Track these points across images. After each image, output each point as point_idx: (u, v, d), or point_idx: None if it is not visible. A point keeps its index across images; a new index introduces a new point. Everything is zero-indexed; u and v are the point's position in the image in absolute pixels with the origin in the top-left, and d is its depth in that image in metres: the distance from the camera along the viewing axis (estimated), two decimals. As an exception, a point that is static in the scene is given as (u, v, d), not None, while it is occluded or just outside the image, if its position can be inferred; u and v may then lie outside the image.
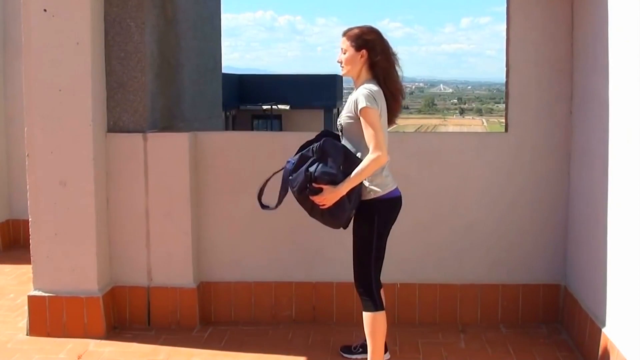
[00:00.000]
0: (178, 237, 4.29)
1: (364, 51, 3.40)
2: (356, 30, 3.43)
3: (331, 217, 3.38)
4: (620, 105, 3.34)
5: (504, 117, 4.45)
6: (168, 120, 4.74)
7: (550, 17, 4.20)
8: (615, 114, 3.40)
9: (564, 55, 4.20)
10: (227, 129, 19.98)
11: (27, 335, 4.16)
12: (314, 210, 3.39)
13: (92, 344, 4.05)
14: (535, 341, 4.08)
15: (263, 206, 3.52)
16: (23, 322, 4.28)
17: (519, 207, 4.30)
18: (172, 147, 4.27)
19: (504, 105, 4.55)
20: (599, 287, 3.59)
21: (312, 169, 3.30)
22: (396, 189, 3.48)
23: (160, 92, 4.55)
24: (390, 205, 3.44)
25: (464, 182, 4.31)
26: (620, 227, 3.33)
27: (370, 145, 3.27)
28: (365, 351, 3.80)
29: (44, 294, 4.16)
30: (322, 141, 3.35)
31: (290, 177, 3.35)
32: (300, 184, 3.32)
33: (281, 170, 3.45)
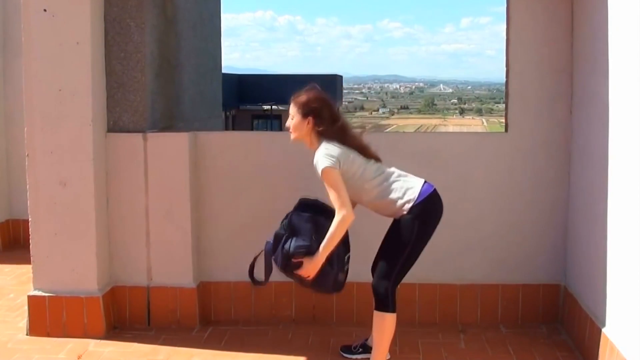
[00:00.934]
0: (178, 237, 4.29)
1: (310, 118, 3.45)
2: (303, 98, 3.50)
3: (317, 286, 3.50)
4: (620, 105, 3.34)
5: (504, 117, 4.45)
6: (168, 120, 4.74)
7: (550, 17, 4.20)
8: (615, 114, 3.41)
9: (564, 55, 4.20)
10: (227, 129, 19.99)
11: (27, 335, 4.16)
12: (303, 282, 3.49)
13: (92, 344, 4.05)
14: (535, 341, 4.09)
15: (255, 282, 3.60)
16: (23, 322, 4.29)
17: (519, 207, 4.31)
18: (172, 147, 4.27)
19: (504, 105, 4.55)
20: (599, 287, 3.59)
21: (287, 245, 3.41)
22: (425, 185, 3.49)
23: (160, 92, 4.55)
24: (426, 205, 3.45)
25: (464, 182, 4.32)
26: (620, 227, 3.33)
27: (335, 206, 3.33)
28: (365, 351, 3.81)
29: (44, 294, 4.16)
30: (289, 217, 3.47)
31: (273, 257, 3.46)
32: (281, 262, 3.43)
33: (261, 251, 3.54)
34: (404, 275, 3.52)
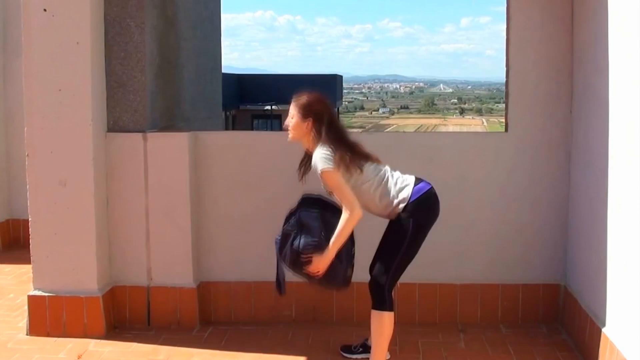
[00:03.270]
0: (178, 237, 4.29)
1: (309, 120, 3.47)
2: (305, 100, 3.51)
3: (327, 281, 3.51)
4: (620, 105, 3.34)
5: (504, 117, 4.45)
6: (168, 120, 4.74)
7: (550, 17, 4.20)
8: (615, 113, 3.41)
9: (564, 55, 4.20)
10: (227, 129, 19.98)
11: (27, 335, 4.16)
12: (311, 279, 3.51)
13: (92, 344, 4.05)
14: (535, 341, 4.08)
15: (280, 290, 3.63)
16: (23, 322, 4.29)
17: (519, 206, 4.31)
18: (172, 147, 4.27)
19: (504, 105, 4.55)
20: (599, 287, 3.59)
21: (295, 243, 3.43)
22: (422, 183, 3.51)
23: (160, 92, 4.55)
24: (422, 202, 3.46)
25: (464, 181, 4.32)
26: (620, 227, 3.33)
27: (343, 205, 3.35)
28: (365, 351, 3.81)
29: (44, 294, 4.16)
30: (297, 215, 3.49)
31: (282, 255, 3.49)
32: (290, 259, 3.46)
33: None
34: (401, 274, 3.53)
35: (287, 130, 3.58)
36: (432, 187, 3.53)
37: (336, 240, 3.37)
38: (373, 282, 3.50)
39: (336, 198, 3.41)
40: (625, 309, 3.25)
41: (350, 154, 3.44)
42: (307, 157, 3.59)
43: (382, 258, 3.50)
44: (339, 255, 3.41)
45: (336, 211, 3.41)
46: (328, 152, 3.38)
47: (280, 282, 3.59)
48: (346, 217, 3.34)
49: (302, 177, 3.64)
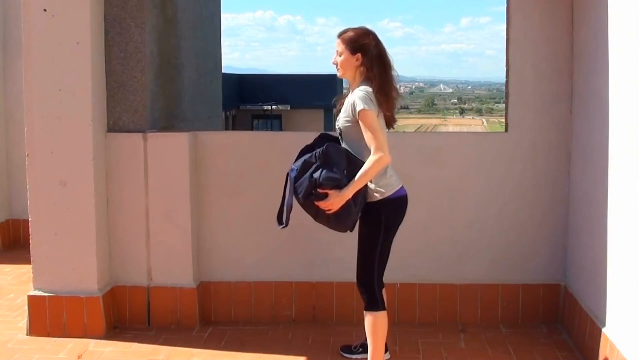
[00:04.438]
0: (178, 237, 4.29)
1: (359, 55, 3.40)
2: (351, 33, 3.43)
3: (337, 221, 3.39)
4: (620, 105, 3.34)
5: (504, 117, 4.45)
6: (168, 120, 4.74)
7: (550, 17, 4.20)
8: (615, 113, 3.40)
9: (564, 55, 4.20)
10: (227, 129, 19.98)
11: (27, 335, 4.16)
12: (319, 215, 3.39)
13: (92, 344, 4.05)
14: (535, 341, 4.08)
15: (280, 222, 3.45)
16: (23, 322, 4.28)
17: (519, 206, 4.31)
18: (172, 147, 4.27)
19: (504, 105, 4.55)
20: (599, 287, 3.59)
21: (316, 174, 3.30)
22: (402, 188, 3.48)
23: (160, 92, 4.55)
24: (396, 205, 3.45)
25: (464, 181, 4.32)
26: (620, 227, 3.33)
27: (372, 147, 3.27)
28: (365, 351, 3.80)
29: (44, 294, 4.16)
30: (325, 146, 3.35)
31: (296, 184, 3.35)
32: (305, 190, 3.32)
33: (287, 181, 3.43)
34: (383, 270, 3.49)
35: (336, 67, 3.48)
36: (407, 195, 3.49)
37: (359, 180, 3.27)
38: (361, 284, 3.48)
39: (367, 140, 3.27)
40: (625, 309, 3.25)
41: (387, 104, 3.35)
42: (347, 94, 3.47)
43: (362, 257, 3.47)
44: (355, 197, 3.31)
45: (356, 160, 3.31)
46: (370, 95, 3.31)
47: (282, 212, 3.42)
48: (375, 158, 3.24)
49: (337, 110, 3.48)
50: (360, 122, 3.30)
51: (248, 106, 26.70)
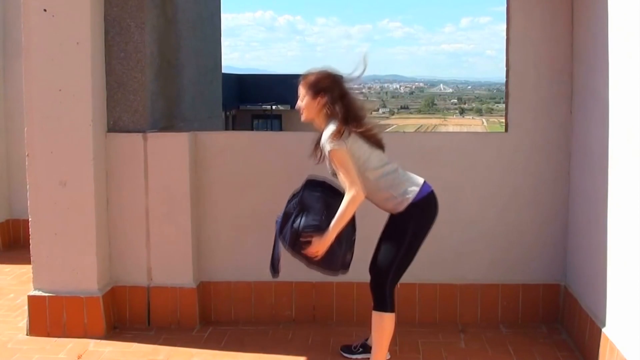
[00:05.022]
0: (178, 237, 4.29)
1: (320, 98, 3.42)
2: (312, 77, 3.46)
3: (325, 264, 3.46)
4: (620, 105, 3.34)
5: (504, 117, 4.45)
6: (168, 120, 4.74)
7: (550, 17, 4.20)
8: (615, 113, 3.41)
9: (564, 55, 4.20)
10: (227, 129, 19.97)
11: (27, 335, 4.16)
12: (309, 262, 3.45)
13: (92, 344, 4.05)
14: (535, 341, 4.08)
15: (273, 272, 3.54)
16: (23, 322, 4.28)
17: (519, 206, 4.31)
18: (172, 147, 4.27)
19: (504, 105, 4.55)
20: (599, 287, 3.59)
21: (296, 224, 3.37)
22: (424, 184, 3.48)
23: (160, 92, 4.55)
24: (422, 207, 3.44)
25: (464, 181, 4.31)
26: (620, 227, 3.33)
27: (346, 186, 3.30)
28: (365, 351, 3.81)
29: (44, 294, 4.16)
30: (300, 195, 3.44)
31: (281, 235, 3.43)
32: (290, 239, 3.40)
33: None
34: (401, 275, 3.51)
35: (299, 111, 3.50)
36: (432, 190, 3.51)
37: (337, 222, 3.31)
38: (374, 283, 3.49)
39: (340, 179, 3.32)
40: (625, 309, 3.25)
41: (362, 134, 3.37)
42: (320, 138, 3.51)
43: (382, 258, 3.48)
44: (339, 238, 3.35)
45: (339, 194, 3.35)
46: (335, 128, 3.31)
47: (274, 263, 3.50)
48: (348, 198, 3.27)
49: (318, 160, 3.53)
50: (332, 161, 3.33)
51: (248, 106, 26.69)
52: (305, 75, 3.48)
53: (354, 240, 3.54)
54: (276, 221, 3.47)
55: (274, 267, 3.51)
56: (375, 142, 3.45)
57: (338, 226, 3.32)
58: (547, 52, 4.22)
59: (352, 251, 3.52)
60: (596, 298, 3.67)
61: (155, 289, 4.32)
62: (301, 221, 3.36)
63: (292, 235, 3.38)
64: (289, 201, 3.50)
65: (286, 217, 3.43)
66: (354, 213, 3.37)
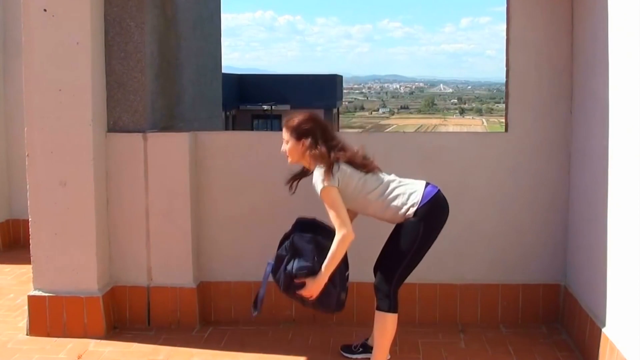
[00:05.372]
0: (178, 237, 4.29)
1: (304, 140, 3.47)
2: (294, 121, 3.51)
3: (320, 304, 3.52)
4: (620, 105, 3.34)
5: (504, 117, 4.45)
6: (168, 120, 4.74)
7: (550, 17, 4.20)
8: (615, 113, 3.41)
9: (564, 55, 4.20)
10: (227, 129, 19.98)
11: (27, 335, 4.16)
12: (305, 302, 3.52)
13: (92, 344, 4.05)
14: (535, 341, 4.08)
15: (255, 308, 3.61)
16: (23, 322, 4.29)
17: (519, 206, 4.31)
18: (172, 147, 4.27)
19: (504, 105, 4.55)
20: (599, 287, 3.59)
21: (289, 267, 3.45)
22: (428, 187, 3.49)
23: (160, 92, 4.55)
24: (432, 206, 3.45)
25: (464, 182, 4.32)
26: (620, 227, 3.33)
27: (335, 226, 3.36)
28: (365, 351, 3.81)
29: (44, 294, 4.16)
30: (291, 238, 3.50)
31: (275, 278, 3.51)
32: (284, 283, 3.48)
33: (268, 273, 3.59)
34: (407, 276, 3.52)
35: (285, 155, 3.58)
36: (439, 190, 3.53)
37: (329, 264, 3.38)
38: (378, 284, 3.50)
39: (331, 219, 3.39)
40: (625, 309, 3.25)
41: (352, 165, 3.44)
42: (302, 172, 3.62)
43: (388, 260, 3.50)
44: (332, 279, 3.43)
45: (330, 234, 3.41)
46: (324, 167, 3.38)
47: (257, 301, 3.58)
48: (338, 238, 3.34)
49: (293, 190, 3.65)
50: (323, 201, 3.38)
51: (248, 106, 26.72)
52: (287, 120, 3.56)
53: (347, 277, 3.59)
54: (268, 263, 3.55)
55: (256, 305, 3.60)
56: (365, 166, 3.49)
57: (330, 267, 3.38)
58: (547, 52, 4.22)
59: (346, 289, 3.58)
60: (596, 298, 3.67)
61: (155, 289, 4.32)
62: (294, 264, 3.44)
63: (285, 278, 3.46)
64: (281, 243, 3.57)
65: (279, 260, 3.50)
66: (346, 252, 3.44)
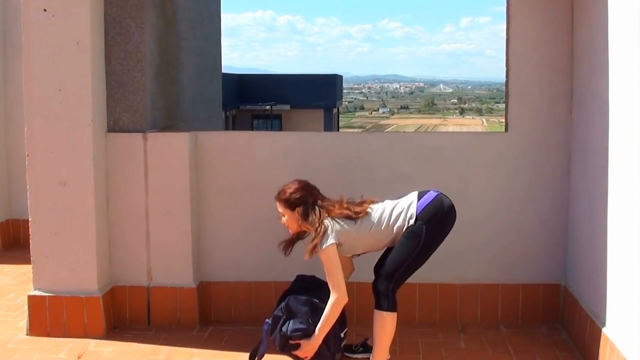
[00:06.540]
0: (178, 237, 4.29)
1: (298, 209, 3.54)
2: (286, 194, 3.59)
3: None
4: (620, 105, 3.34)
5: (504, 117, 4.45)
6: (168, 120, 4.74)
7: (550, 17, 4.20)
8: (615, 113, 3.41)
9: (564, 55, 4.20)
10: (227, 129, 19.98)
11: (27, 335, 4.16)
12: None
13: (92, 344, 4.06)
14: (535, 341, 4.08)
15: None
16: (23, 322, 4.29)
17: (519, 206, 4.31)
18: (172, 147, 4.27)
19: (504, 105, 4.55)
20: (599, 287, 3.59)
21: (284, 328, 3.54)
22: (428, 192, 3.55)
23: (160, 92, 4.55)
24: (432, 208, 3.49)
25: (464, 181, 4.32)
26: (620, 227, 3.33)
27: (330, 288, 3.45)
28: (365, 350, 3.81)
29: (44, 294, 4.16)
30: (286, 300, 3.61)
31: (272, 337, 3.60)
32: (280, 343, 3.58)
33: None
34: (407, 278, 3.56)
35: (285, 226, 3.65)
36: (439, 194, 3.56)
37: (322, 326, 3.47)
38: (377, 283, 3.52)
39: (327, 279, 3.47)
40: (625, 309, 3.25)
41: (345, 217, 3.50)
42: (296, 237, 3.68)
43: (390, 261, 3.52)
44: (326, 340, 3.51)
45: (327, 294, 3.48)
46: (323, 228, 3.44)
47: (255, 353, 3.63)
48: (332, 301, 3.43)
49: (287, 253, 3.70)
50: (322, 262, 3.46)
51: (248, 106, 26.71)
52: (278, 194, 3.63)
53: (343, 337, 3.68)
54: (265, 321, 3.63)
55: (255, 357, 3.64)
56: (357, 213, 3.53)
57: (324, 330, 3.48)
58: (547, 51, 4.22)
59: (340, 350, 3.69)
60: (596, 298, 3.67)
61: (155, 289, 4.32)
62: (289, 326, 3.53)
63: (281, 339, 3.55)
64: (279, 302, 3.66)
65: (275, 320, 3.59)
66: (343, 310, 3.51)
